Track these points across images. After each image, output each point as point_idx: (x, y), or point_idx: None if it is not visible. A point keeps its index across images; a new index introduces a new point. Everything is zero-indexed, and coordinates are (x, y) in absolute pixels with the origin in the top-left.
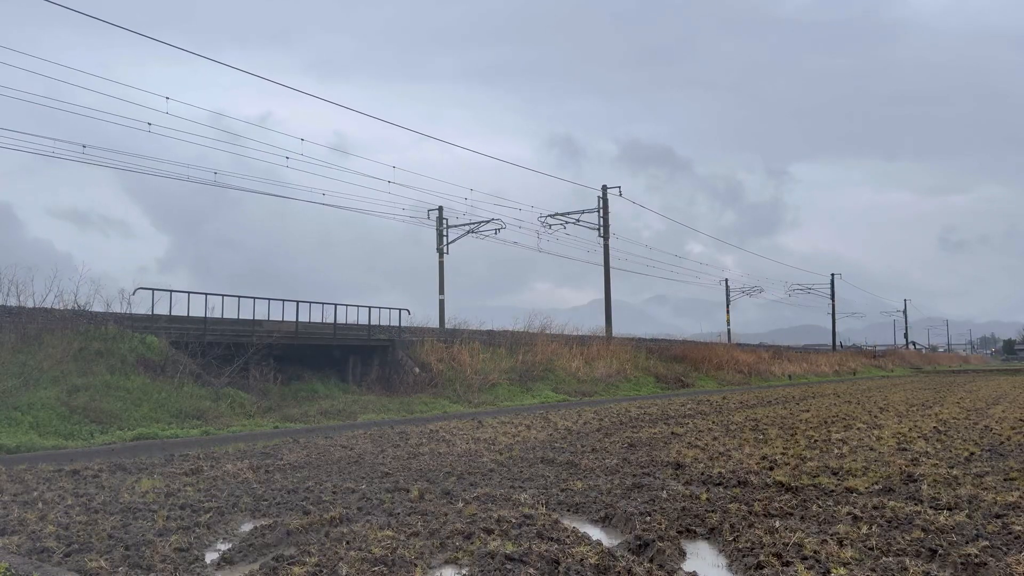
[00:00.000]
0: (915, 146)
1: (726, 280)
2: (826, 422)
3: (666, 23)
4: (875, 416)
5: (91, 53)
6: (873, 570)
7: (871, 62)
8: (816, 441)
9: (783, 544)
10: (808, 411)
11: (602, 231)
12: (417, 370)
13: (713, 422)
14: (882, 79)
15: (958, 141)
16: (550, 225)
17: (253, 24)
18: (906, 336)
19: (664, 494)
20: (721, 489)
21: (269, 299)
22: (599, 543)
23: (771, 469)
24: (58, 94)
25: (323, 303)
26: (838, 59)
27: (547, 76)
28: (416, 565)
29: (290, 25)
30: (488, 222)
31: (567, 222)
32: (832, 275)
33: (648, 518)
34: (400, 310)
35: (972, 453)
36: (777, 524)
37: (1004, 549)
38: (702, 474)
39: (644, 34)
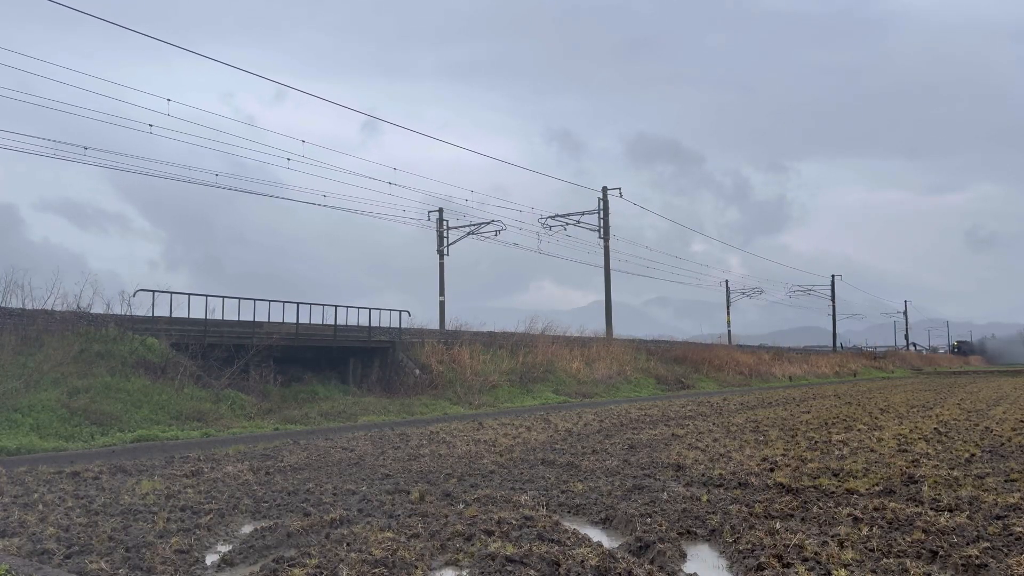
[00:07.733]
0: (914, 144)
1: (726, 281)
2: (827, 423)
3: (659, 18)
4: (876, 417)
5: (67, 52)
6: (874, 571)
7: (863, 57)
8: (817, 442)
9: (784, 546)
10: (809, 412)
11: (602, 232)
12: (417, 372)
13: (714, 423)
14: (878, 75)
15: (956, 138)
16: (550, 227)
17: (230, 23)
18: (906, 337)
19: (665, 496)
20: (722, 491)
21: (269, 301)
22: (600, 545)
23: (772, 471)
24: (51, 93)
25: (323, 305)
26: (830, 54)
27: (538, 73)
28: (416, 567)
29: (267, 22)
30: (488, 224)
31: (567, 223)
32: (832, 276)
33: (649, 520)
34: (400, 312)
35: (973, 454)
36: (778, 526)
37: (1005, 550)
38: (703, 475)
39: (634, 29)
